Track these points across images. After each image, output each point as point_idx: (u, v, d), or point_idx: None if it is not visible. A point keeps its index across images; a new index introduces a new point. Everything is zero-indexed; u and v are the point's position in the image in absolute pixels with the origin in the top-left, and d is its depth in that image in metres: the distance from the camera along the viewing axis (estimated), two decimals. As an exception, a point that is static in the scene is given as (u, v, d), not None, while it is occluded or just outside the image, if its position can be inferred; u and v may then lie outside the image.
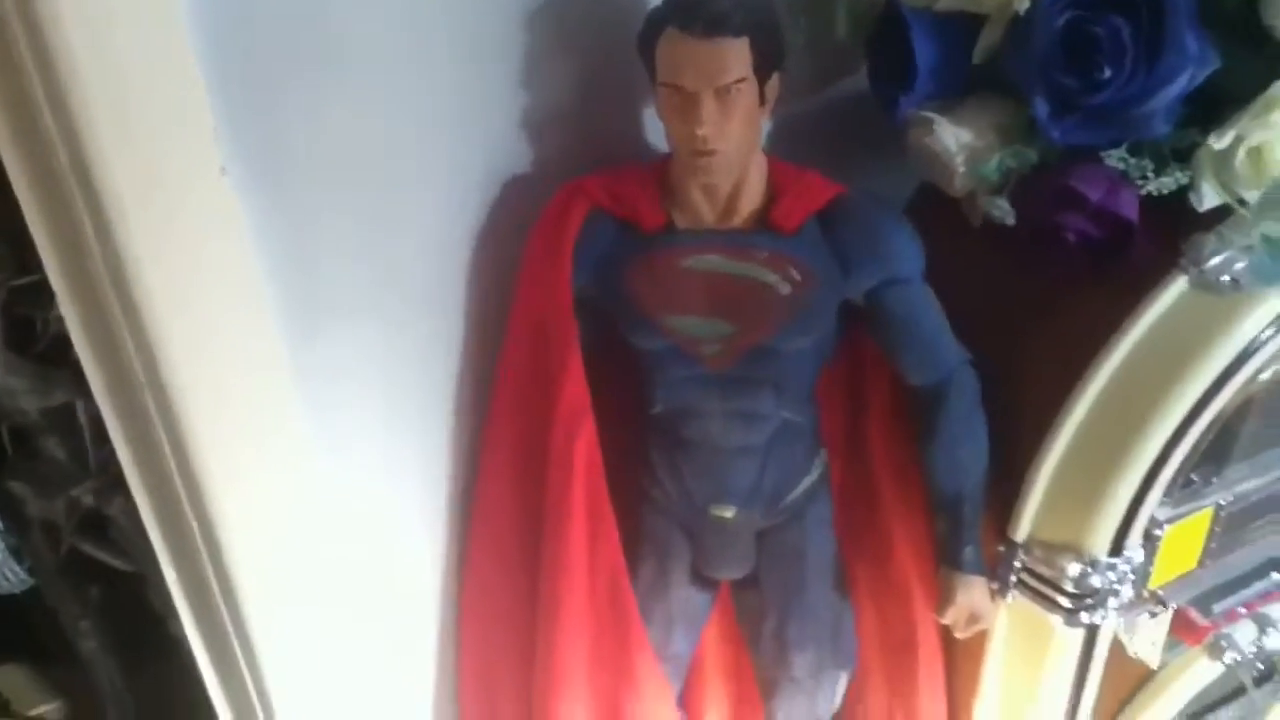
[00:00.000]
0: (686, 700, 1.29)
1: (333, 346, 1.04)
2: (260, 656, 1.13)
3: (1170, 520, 1.05)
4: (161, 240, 0.89)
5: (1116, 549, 1.02)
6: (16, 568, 1.63)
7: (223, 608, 1.11)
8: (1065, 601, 1.05)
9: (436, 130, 1.02)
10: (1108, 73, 0.93)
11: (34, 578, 1.68)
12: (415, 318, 1.09)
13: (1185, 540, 1.09)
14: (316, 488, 1.08)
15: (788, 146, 1.10)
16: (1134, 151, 0.98)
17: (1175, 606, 1.15)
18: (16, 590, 1.67)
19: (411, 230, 1.05)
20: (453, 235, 1.09)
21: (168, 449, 1.01)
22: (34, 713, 1.91)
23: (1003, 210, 1.03)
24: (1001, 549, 1.08)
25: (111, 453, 1.41)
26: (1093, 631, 1.10)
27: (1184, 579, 1.13)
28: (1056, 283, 1.04)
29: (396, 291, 1.07)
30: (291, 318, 0.99)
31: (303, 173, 0.96)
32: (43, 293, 1.33)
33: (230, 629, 1.13)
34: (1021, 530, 1.06)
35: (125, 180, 0.84)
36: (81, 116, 0.81)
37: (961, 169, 1.05)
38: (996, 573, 1.09)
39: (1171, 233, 0.97)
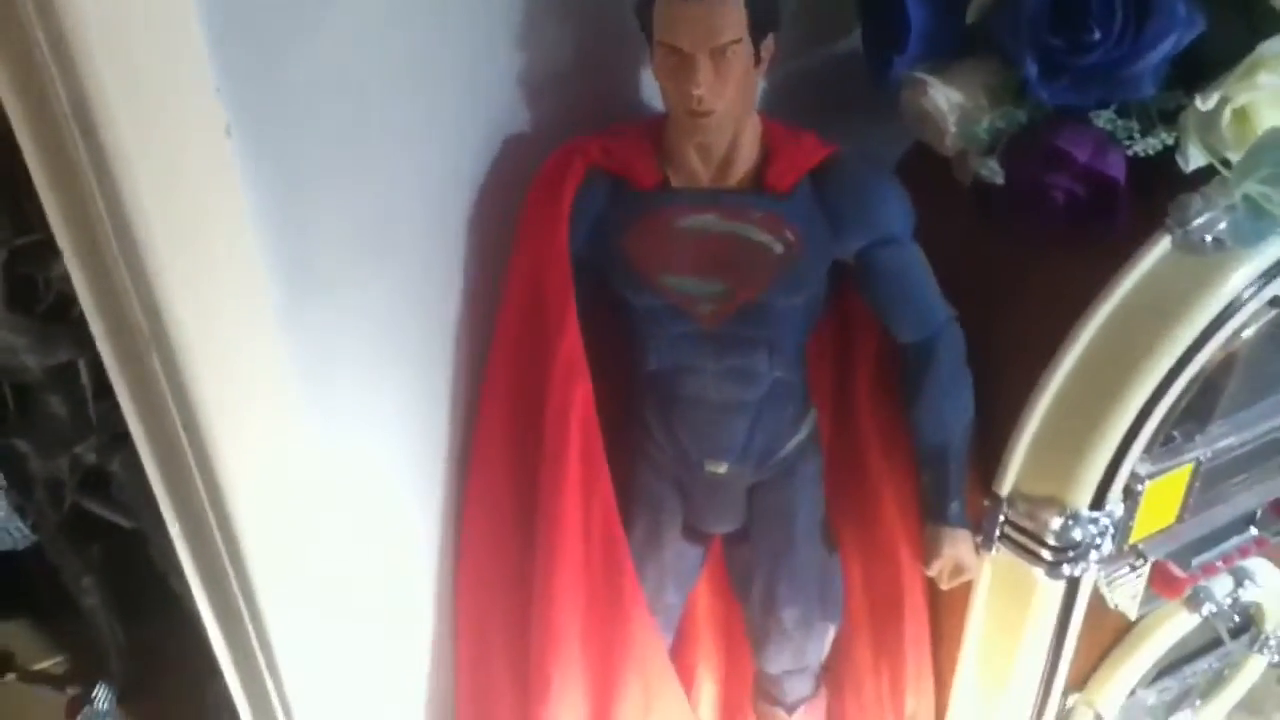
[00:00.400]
0: (678, 651, 1.32)
1: (329, 304, 1.05)
2: (263, 607, 1.15)
3: (1151, 476, 1.08)
4: (165, 200, 0.90)
5: (1098, 503, 1.05)
6: (20, 525, 1.66)
7: (226, 561, 1.14)
8: (1047, 554, 1.08)
9: (433, 90, 1.03)
10: (1096, 34, 0.94)
11: (37, 535, 1.71)
12: (412, 276, 1.11)
13: (1165, 495, 1.12)
14: (315, 443, 1.10)
15: (782, 106, 1.11)
16: (1121, 113, 0.99)
17: (1154, 560, 1.18)
18: (20, 547, 1.70)
19: (408, 190, 1.06)
20: (449, 195, 1.10)
21: (171, 403, 1.02)
22: (38, 667, 1.95)
23: (992, 171, 1.05)
24: (986, 503, 1.11)
25: (112, 410, 1.43)
26: (1074, 583, 1.13)
27: (1163, 533, 1.16)
28: (1044, 242, 1.06)
29: (392, 251, 1.08)
30: (287, 273, 1.01)
31: (300, 133, 0.97)
32: (43, 252, 1.36)
33: (234, 581, 1.15)
34: (1005, 484, 1.08)
35: (130, 141, 0.85)
36: (89, 80, 0.82)
37: (953, 129, 1.06)
38: (981, 526, 1.12)
39: (1157, 193, 0.98)
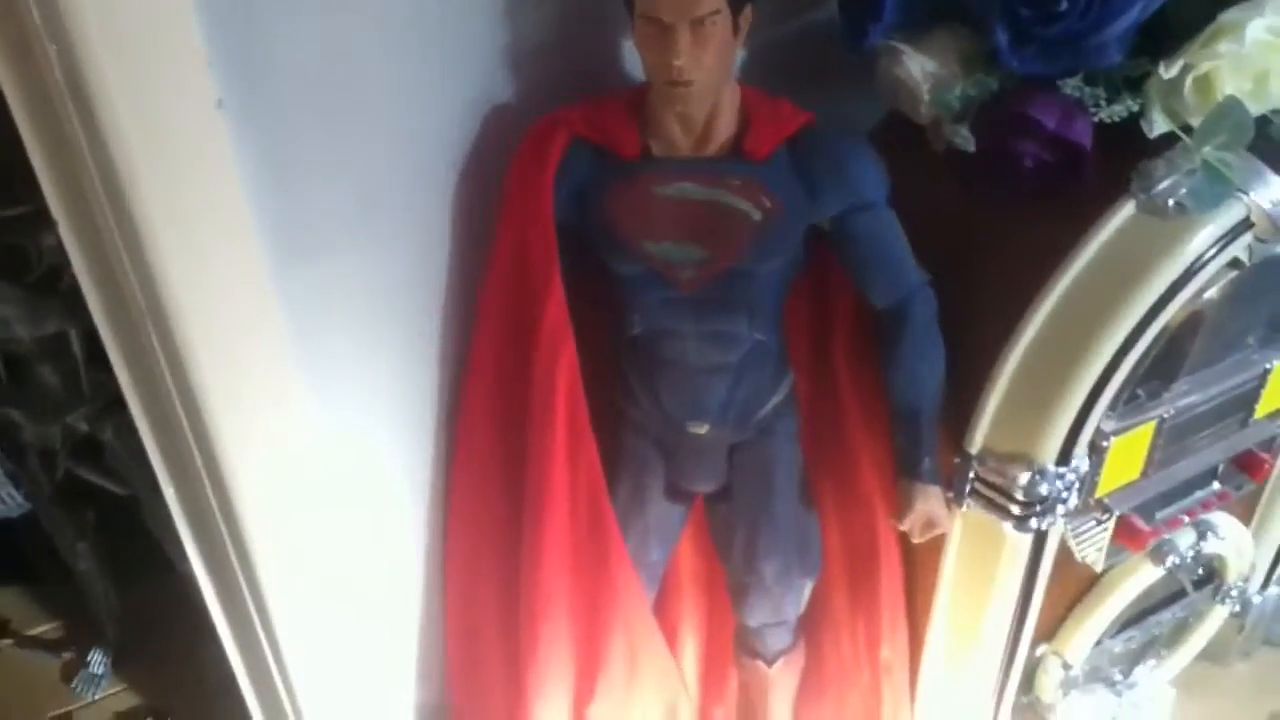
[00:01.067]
0: (662, 607, 1.36)
1: (318, 271, 1.08)
2: (258, 569, 1.18)
3: (1116, 432, 1.12)
4: (158, 172, 0.92)
5: (1064, 459, 1.09)
6: (14, 492, 1.68)
7: (221, 525, 1.17)
8: (1015, 509, 1.11)
9: (420, 61, 1.05)
10: (1064, 4, 0.97)
11: (31, 503, 1.73)
12: (399, 244, 1.13)
13: (1130, 451, 1.16)
14: (308, 412, 1.13)
15: (760, 75, 1.13)
16: (1089, 80, 1.02)
17: (1120, 514, 1.22)
18: (14, 515, 1.72)
19: (396, 160, 1.09)
20: (438, 165, 1.12)
21: (167, 374, 1.05)
22: (33, 632, 1.97)
23: (964, 138, 1.08)
24: (957, 460, 1.14)
25: (104, 380, 1.45)
26: (1041, 537, 1.17)
27: (1128, 488, 1.20)
28: (1013, 207, 1.09)
29: (380, 218, 1.10)
30: (278, 243, 1.03)
31: (290, 106, 0.99)
32: (34, 223, 1.37)
33: (229, 543, 1.18)
34: (975, 442, 1.12)
35: (124, 114, 0.88)
36: (82, 51, 0.84)
37: (926, 97, 1.09)
38: (952, 483, 1.16)
39: (1123, 159, 1.02)
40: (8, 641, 1.96)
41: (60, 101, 0.88)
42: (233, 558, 1.20)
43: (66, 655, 1.91)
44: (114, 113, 0.88)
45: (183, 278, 0.98)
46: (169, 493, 1.18)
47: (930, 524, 1.17)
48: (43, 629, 1.98)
